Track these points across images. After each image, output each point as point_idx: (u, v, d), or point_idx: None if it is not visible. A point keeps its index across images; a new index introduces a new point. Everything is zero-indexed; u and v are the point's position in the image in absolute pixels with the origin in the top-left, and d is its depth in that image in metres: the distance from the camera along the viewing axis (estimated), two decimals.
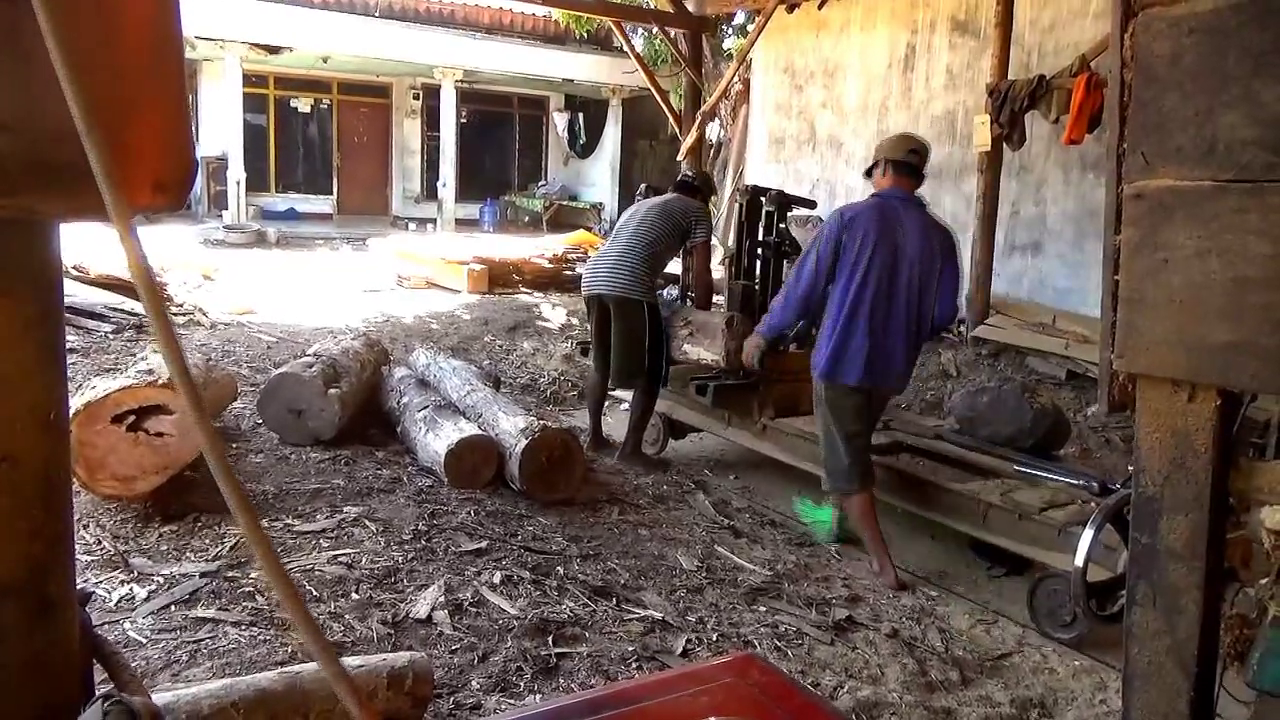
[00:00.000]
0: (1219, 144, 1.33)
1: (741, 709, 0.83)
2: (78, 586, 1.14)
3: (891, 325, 3.63)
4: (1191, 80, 1.36)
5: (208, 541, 2.81)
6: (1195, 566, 1.40)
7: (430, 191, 17.04)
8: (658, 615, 2.82)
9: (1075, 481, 3.46)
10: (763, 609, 3.07)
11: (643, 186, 5.88)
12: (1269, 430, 2.02)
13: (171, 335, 0.82)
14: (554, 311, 8.54)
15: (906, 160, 3.71)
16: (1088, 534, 2.87)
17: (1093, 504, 3.32)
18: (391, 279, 9.71)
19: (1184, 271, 1.37)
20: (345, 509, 3.18)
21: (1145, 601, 1.46)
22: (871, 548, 3.78)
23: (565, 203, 17.67)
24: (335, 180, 17.29)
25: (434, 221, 15.88)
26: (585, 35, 15.44)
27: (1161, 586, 1.44)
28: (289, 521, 3.03)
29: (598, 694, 1.06)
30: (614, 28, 10.08)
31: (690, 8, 9.57)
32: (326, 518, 3.09)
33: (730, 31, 14.46)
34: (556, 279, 9.62)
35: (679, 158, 9.79)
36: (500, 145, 18.91)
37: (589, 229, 14.11)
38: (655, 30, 10.85)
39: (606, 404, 5.38)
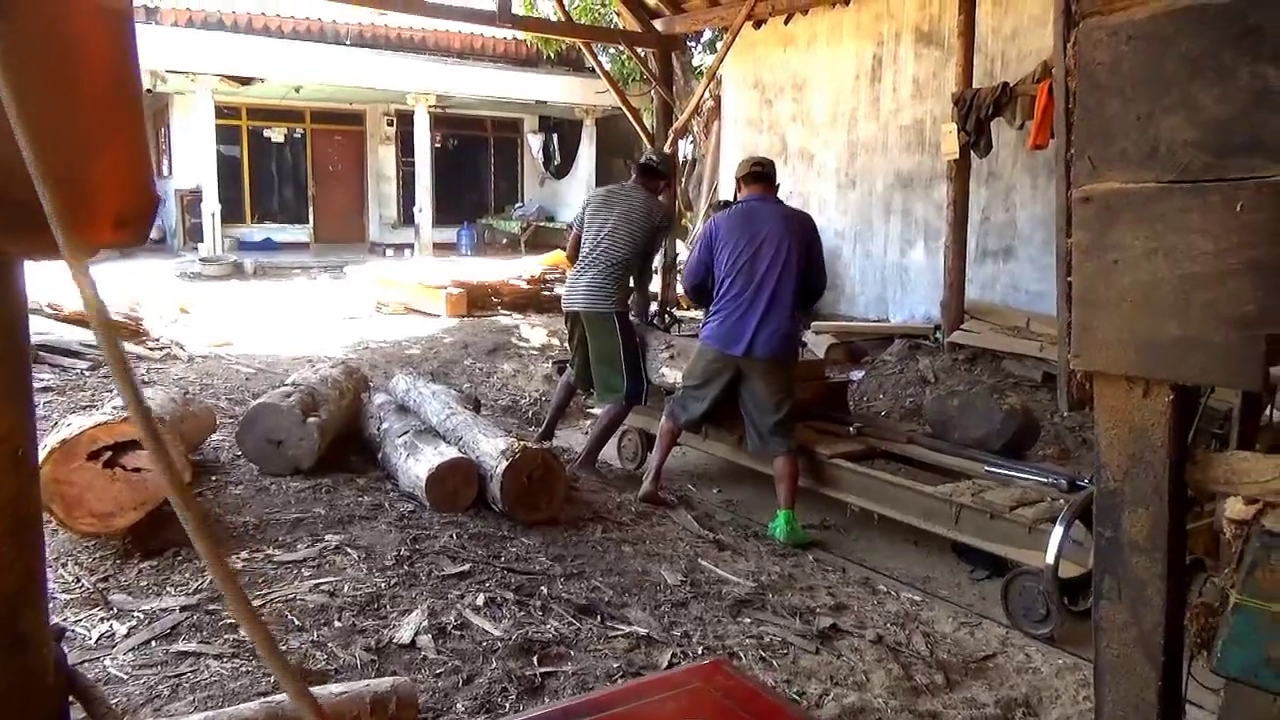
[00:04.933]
0: (1161, 147, 1.37)
1: (707, 713, 0.84)
2: (52, 622, 1.14)
3: (754, 302, 4.30)
4: (1132, 86, 1.40)
5: (188, 575, 2.79)
6: (1157, 558, 1.44)
7: (407, 217, 17.06)
8: (642, 631, 2.83)
9: (1044, 480, 3.50)
10: (747, 620, 3.08)
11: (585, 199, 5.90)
12: (1229, 421, 2.06)
13: (128, 374, 0.83)
14: (533, 332, 8.55)
15: (752, 172, 4.56)
16: (1057, 531, 2.91)
17: (1061, 501, 3.36)
18: (370, 306, 9.70)
19: (1133, 271, 1.41)
20: (326, 537, 3.17)
21: (1111, 595, 1.49)
22: (651, 463, 4.64)
23: (542, 223, 17.71)
24: (311, 209, 17.27)
25: (411, 247, 15.90)
26: (556, 56, 15.54)
27: (1126, 579, 1.47)
28: (270, 552, 3.02)
29: (571, 703, 1.07)
30: (583, 48, 10.15)
31: (659, 27, 9.66)
32: (308, 547, 3.08)
33: (700, 48, 14.60)
34: (534, 300, 9.65)
35: None
36: (476, 168, 18.97)
37: (566, 248, 14.14)
38: (624, 50, 10.95)
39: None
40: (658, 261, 5.76)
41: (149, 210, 0.98)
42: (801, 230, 4.45)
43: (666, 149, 9.30)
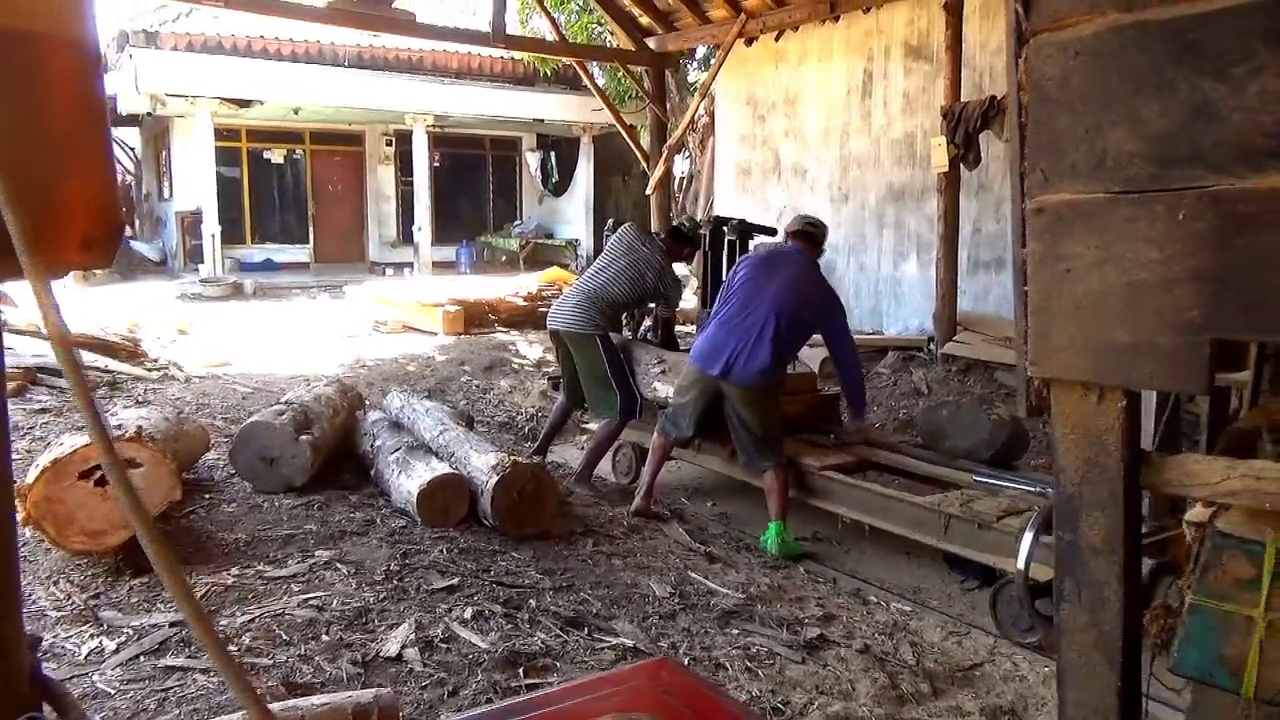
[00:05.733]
0: (1108, 159, 1.41)
1: (646, 707, 0.87)
2: (29, 631, 1.18)
3: (741, 327, 4.33)
4: (1080, 100, 1.45)
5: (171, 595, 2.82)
6: (1114, 560, 1.46)
7: (406, 236, 17.14)
8: (629, 643, 2.85)
9: (1032, 489, 3.53)
10: (735, 631, 3.10)
11: (610, 223, 6.00)
12: (1199, 428, 2.10)
13: (88, 396, 0.87)
14: (530, 349, 8.60)
15: (804, 230, 4.64)
16: (1027, 536, 2.94)
17: None
18: (368, 325, 9.75)
19: (1085, 280, 1.44)
20: (317, 553, 3.20)
21: (1072, 597, 1.52)
22: (644, 477, 4.68)
23: (541, 241, 17.80)
24: (311, 229, 17.35)
25: (411, 266, 15.97)
26: (553, 74, 15.66)
27: (1085, 581, 1.50)
28: (260, 568, 3.05)
29: (514, 701, 1.10)
30: (578, 68, 10.25)
31: (651, 45, 9.77)
32: (298, 562, 3.11)
33: (696, 64, 14.72)
34: (532, 316, 9.69)
35: (648, 191, 9.95)
36: (474, 187, 19.07)
37: (564, 265, 14.23)
38: (618, 68, 11.06)
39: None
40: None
41: (115, 232, 1.02)
42: (819, 294, 4.49)
43: (661, 164, 9.39)
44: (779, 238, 5.32)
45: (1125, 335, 1.40)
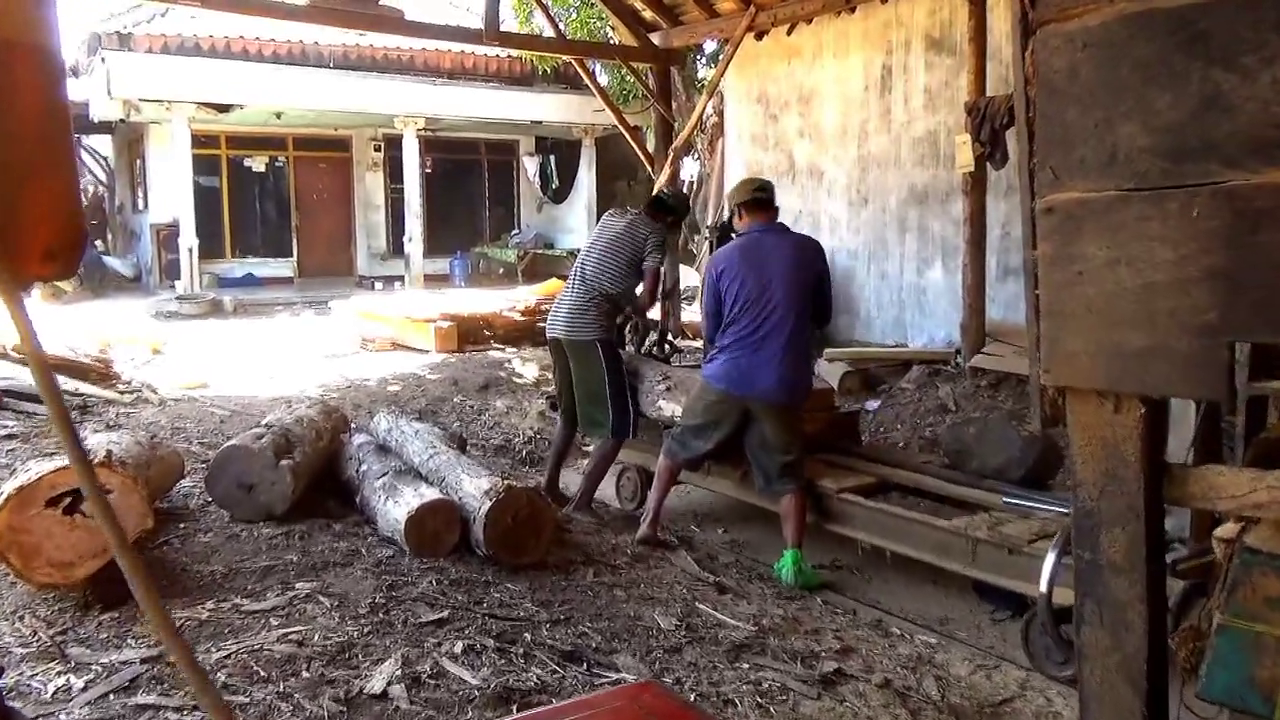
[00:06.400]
0: (1119, 154, 1.45)
1: None
2: None
3: (766, 342, 4.32)
4: (1089, 93, 1.48)
5: (149, 627, 2.85)
6: (1136, 579, 1.49)
7: (397, 248, 17.27)
8: (631, 678, 2.87)
9: (1067, 510, 3.52)
10: (745, 666, 3.12)
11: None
12: (1234, 439, 2.12)
13: (65, 417, 0.91)
14: (527, 367, 8.65)
15: (754, 199, 4.57)
16: (1050, 556, 2.96)
17: None
18: (355, 342, 9.82)
19: (1097, 282, 1.48)
20: (298, 585, 3.23)
21: (1093, 619, 1.54)
22: (650, 503, 4.68)
23: (541, 251, 17.89)
24: (295, 241, 17.50)
25: (401, 279, 16.08)
26: (551, 73, 15.79)
27: (1107, 602, 1.52)
28: (238, 601, 3.08)
29: None
30: (577, 66, 10.35)
31: (656, 41, 9.86)
32: (278, 595, 3.14)
33: (703, 62, 14.84)
34: (530, 332, 9.74)
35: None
36: (469, 195, 19.20)
37: (565, 277, 14.29)
38: (620, 66, 11.16)
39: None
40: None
41: (78, 243, 1.06)
42: (810, 260, 4.52)
43: (668, 168, 9.47)
44: (725, 214, 5.35)
45: (1140, 339, 1.43)
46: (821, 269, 4.56)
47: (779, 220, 4.70)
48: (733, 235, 5.76)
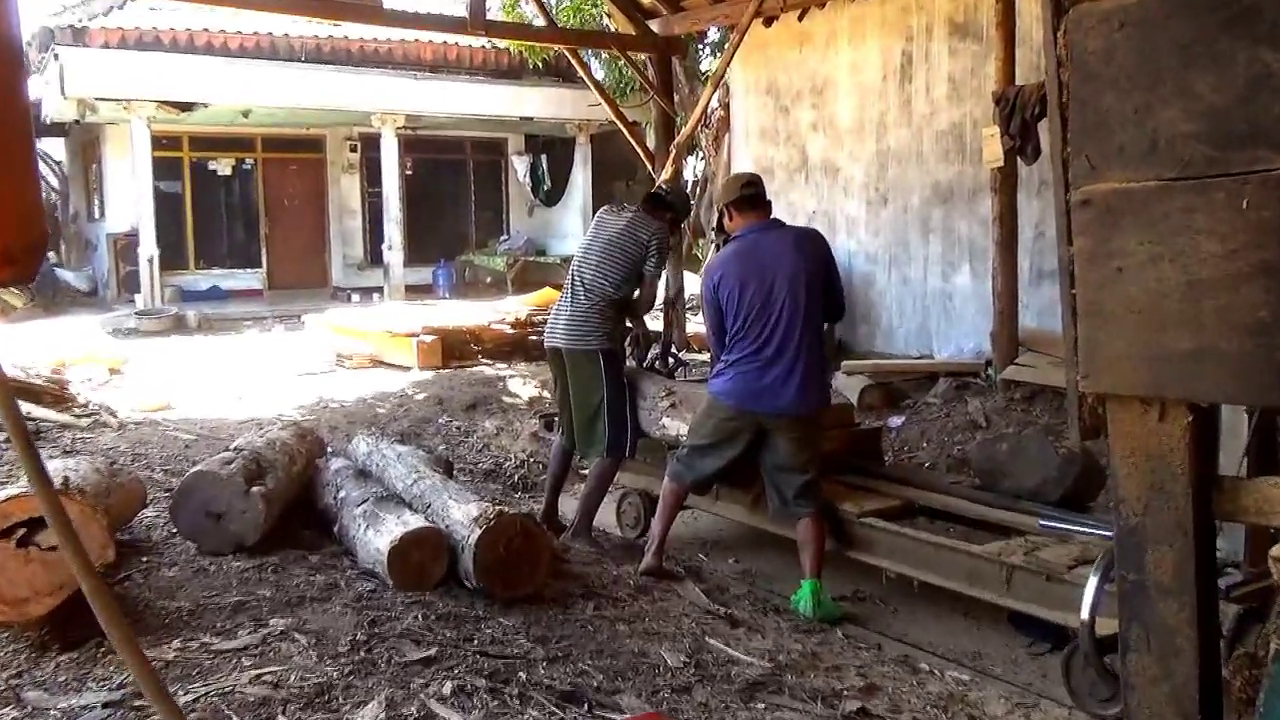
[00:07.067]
0: (1160, 141, 1.46)
1: None
2: None
3: (778, 353, 4.32)
4: (1127, 76, 1.50)
5: (112, 669, 2.85)
6: (1186, 601, 1.49)
7: (375, 256, 17.33)
8: None
9: (1109, 534, 3.53)
10: (761, 706, 3.12)
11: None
12: None
13: (26, 438, 0.92)
14: (519, 384, 8.67)
15: (744, 196, 4.56)
16: (1092, 582, 2.96)
17: None
18: (330, 359, 9.86)
19: (1139, 279, 1.49)
20: (272, 622, 3.23)
21: (1139, 645, 1.55)
22: (654, 530, 4.69)
23: (532, 258, 17.91)
24: (264, 251, 17.55)
25: (380, 290, 16.11)
26: (543, 64, 15.85)
27: (1154, 626, 1.52)
28: (207, 640, 3.08)
29: None
30: (570, 57, 10.41)
31: (655, 28, 9.91)
32: (250, 633, 3.14)
33: (707, 51, 14.92)
34: (521, 346, 9.77)
35: None
36: (453, 198, 19.28)
37: (559, 286, 14.32)
38: (617, 56, 11.22)
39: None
40: (661, 290, 5.83)
41: (39, 246, 1.08)
42: (815, 255, 4.51)
43: (670, 166, 9.50)
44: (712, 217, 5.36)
45: (1186, 341, 1.44)
46: (827, 257, 4.57)
47: (774, 216, 4.68)
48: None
